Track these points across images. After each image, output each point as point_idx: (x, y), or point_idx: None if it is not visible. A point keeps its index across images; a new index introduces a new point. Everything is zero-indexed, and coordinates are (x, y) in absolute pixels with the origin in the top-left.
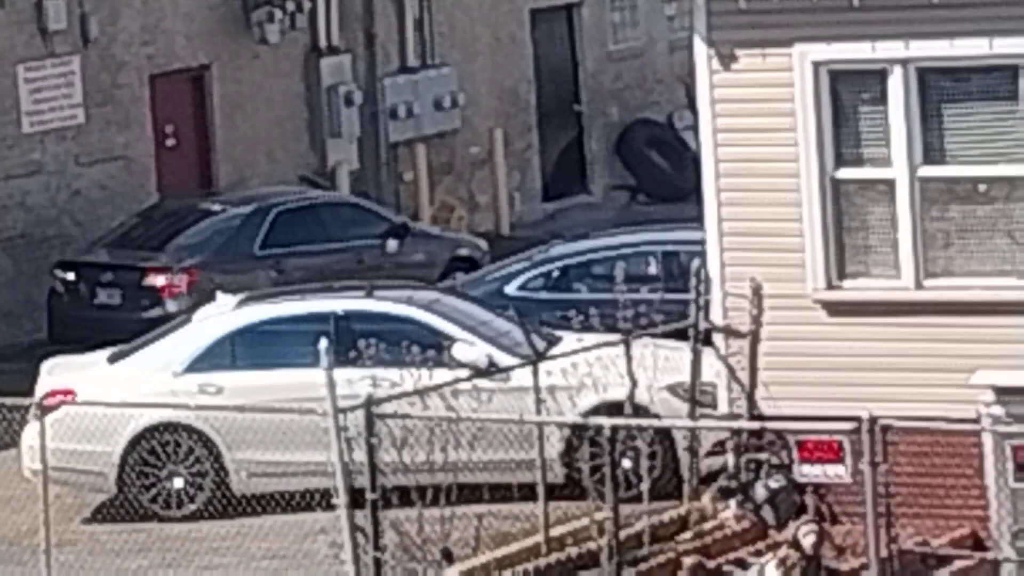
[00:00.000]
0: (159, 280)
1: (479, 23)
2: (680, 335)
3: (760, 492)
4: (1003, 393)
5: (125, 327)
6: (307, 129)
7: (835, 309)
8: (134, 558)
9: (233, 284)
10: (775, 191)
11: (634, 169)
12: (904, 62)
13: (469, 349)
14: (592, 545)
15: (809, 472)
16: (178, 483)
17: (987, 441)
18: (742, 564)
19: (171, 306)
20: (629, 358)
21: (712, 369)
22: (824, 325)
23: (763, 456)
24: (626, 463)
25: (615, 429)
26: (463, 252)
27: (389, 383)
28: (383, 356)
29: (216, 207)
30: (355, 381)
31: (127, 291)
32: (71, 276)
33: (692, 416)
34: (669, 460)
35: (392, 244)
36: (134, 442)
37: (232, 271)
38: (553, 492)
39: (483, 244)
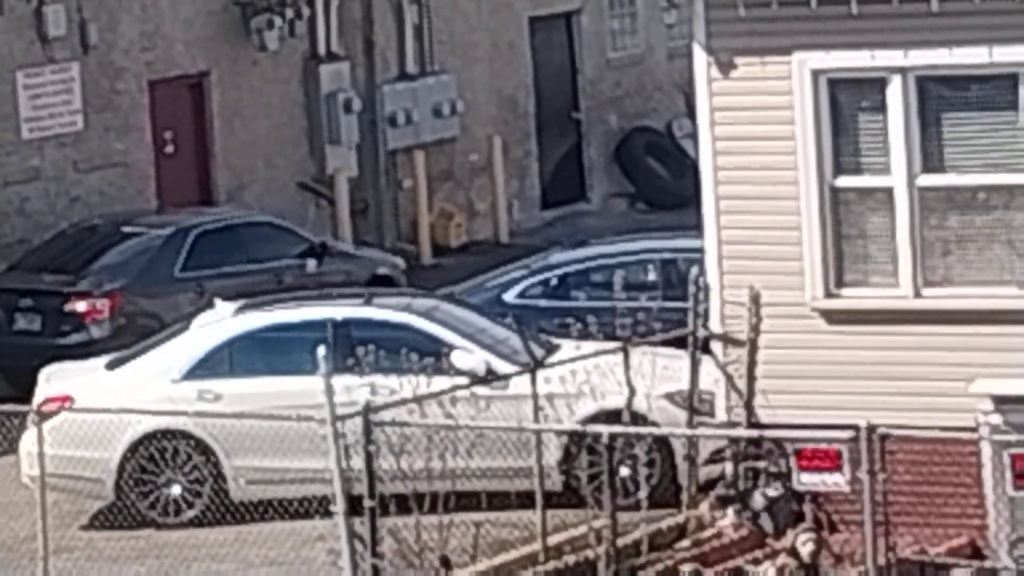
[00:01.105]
0: (81, 305)
1: (478, 30)
2: (679, 343)
3: (758, 500)
4: (1001, 402)
5: (45, 354)
6: (306, 136)
7: (833, 317)
8: (132, 565)
9: (154, 308)
10: (774, 199)
11: (633, 177)
12: (903, 70)
13: (467, 356)
14: (590, 553)
15: (807, 480)
16: (176, 490)
17: (985, 450)
18: (740, 572)
19: (94, 332)
20: (627, 366)
21: (710, 377)
22: (822, 333)
23: (761, 464)
24: (624, 471)
25: (613, 437)
26: (381, 271)
27: (387, 390)
28: (381, 363)
29: (134, 229)
30: (353, 388)
31: (47, 317)
32: None
33: (690, 424)
34: (667, 468)
35: (311, 264)
36: (132, 449)
37: (154, 294)
38: (551, 500)
39: (400, 263)
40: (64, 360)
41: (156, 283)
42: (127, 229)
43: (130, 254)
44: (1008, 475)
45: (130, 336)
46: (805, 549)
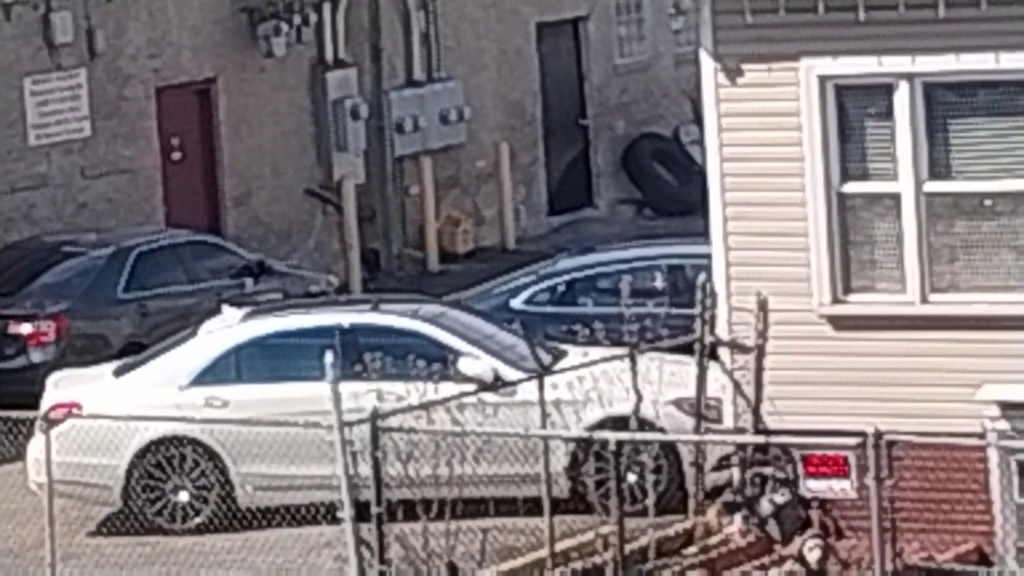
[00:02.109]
0: (25, 328)
1: (485, 37)
2: (686, 349)
3: (765, 507)
4: (1009, 408)
5: None
6: (313, 142)
7: (840, 324)
8: (139, 571)
9: (99, 330)
10: (781, 205)
11: (640, 183)
12: (910, 77)
13: (475, 363)
14: (597, 559)
15: (814, 487)
16: (183, 496)
17: (992, 456)
18: None
19: (36, 356)
20: (635, 372)
21: (718, 383)
22: (829, 340)
23: (768, 471)
24: (631, 477)
25: (620, 443)
26: (315, 288)
27: (395, 397)
28: (389, 370)
29: (74, 249)
30: (361, 395)
31: None
32: None
33: (697, 430)
34: (674, 474)
35: (248, 282)
36: (139, 455)
37: (98, 316)
38: (558, 506)
39: (334, 280)
40: (4, 387)
41: (99, 304)
42: (66, 249)
43: (71, 274)
44: (1015, 481)
45: (75, 359)
46: (812, 555)
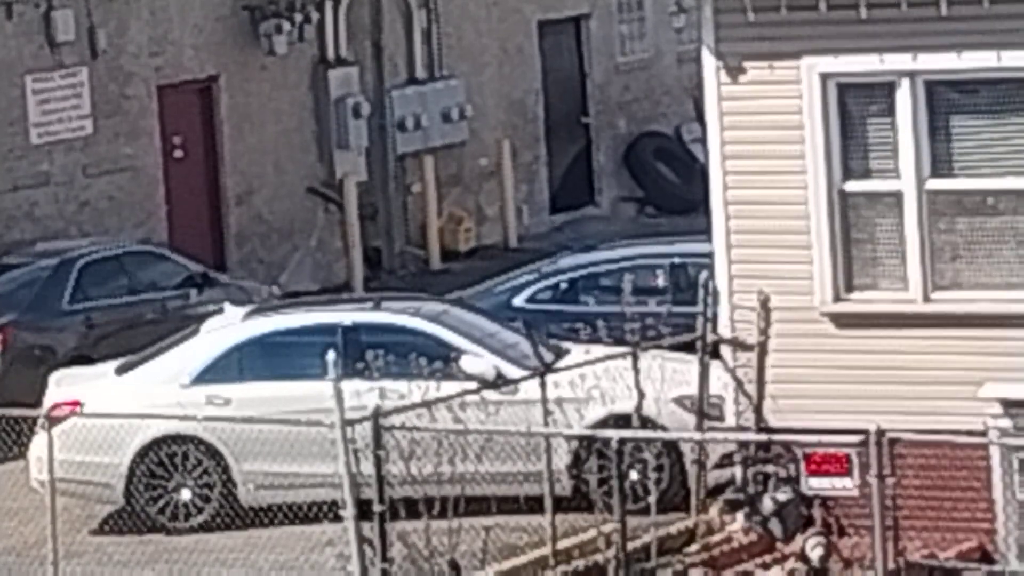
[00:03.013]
0: None
1: (487, 35)
2: (688, 347)
3: (767, 505)
4: (1011, 406)
5: None
6: (315, 141)
7: (843, 321)
8: (141, 570)
9: (45, 341)
10: (783, 203)
11: (642, 181)
12: (912, 74)
13: (477, 361)
14: (599, 557)
15: (816, 485)
16: (186, 495)
17: (995, 454)
18: None
19: None
20: (637, 370)
21: (720, 381)
22: (832, 337)
23: (770, 469)
24: (633, 475)
25: (622, 441)
26: (259, 299)
27: (397, 395)
28: (391, 368)
29: (17, 260)
30: (363, 393)
31: None
32: None
33: (699, 428)
34: (676, 472)
35: (193, 293)
36: (142, 454)
37: (44, 327)
38: (560, 504)
39: (277, 290)
40: None
41: (45, 316)
42: (8, 260)
43: (14, 286)
44: (1017, 479)
45: (22, 371)
46: (814, 553)
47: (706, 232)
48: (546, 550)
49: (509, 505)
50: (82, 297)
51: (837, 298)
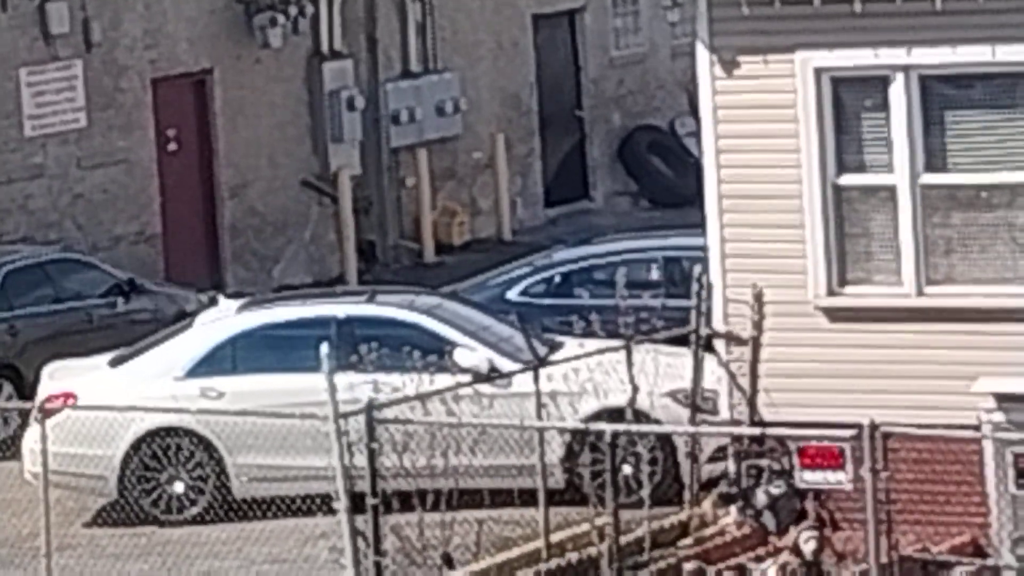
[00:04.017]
0: None
1: (481, 28)
2: (681, 341)
3: (761, 498)
4: (1004, 400)
5: None
6: (309, 134)
7: (836, 315)
8: (135, 562)
9: None
10: (777, 197)
11: (636, 175)
12: (906, 69)
13: (470, 354)
14: (592, 551)
15: (810, 478)
16: (179, 487)
17: (988, 448)
18: (743, 570)
19: None
20: (630, 364)
21: (713, 375)
22: (825, 332)
23: (764, 462)
24: (627, 469)
25: (616, 435)
26: (189, 307)
27: (390, 388)
28: (384, 361)
29: None
30: (356, 386)
31: None
32: None
33: (693, 422)
34: (670, 466)
35: (119, 301)
36: (135, 446)
37: None
38: (554, 497)
39: (204, 299)
40: None
41: None
42: None
43: None
44: (1011, 473)
45: None
46: (807, 547)
47: (700, 226)
48: (539, 543)
49: (502, 498)
50: (6, 306)
51: (831, 292)
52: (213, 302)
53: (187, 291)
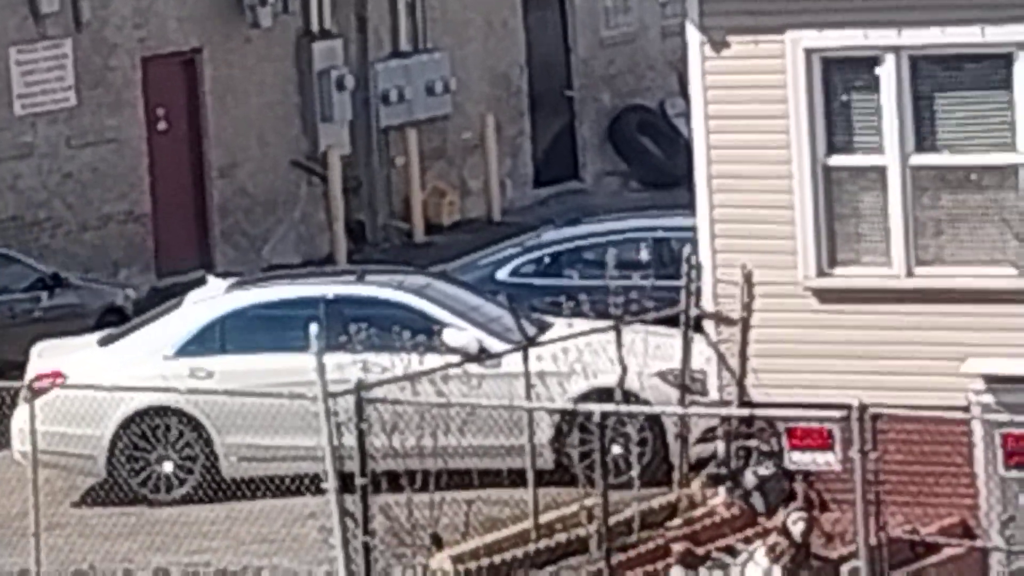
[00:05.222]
0: None
1: (471, 8)
2: (671, 322)
3: (749, 479)
4: (993, 381)
5: None
6: (298, 113)
7: (826, 296)
8: (123, 542)
9: None
10: (766, 178)
11: (626, 155)
12: (896, 49)
13: (460, 334)
14: (581, 531)
15: (799, 459)
16: (168, 467)
17: (977, 429)
18: (731, 551)
19: None
20: (619, 344)
21: (702, 356)
22: (815, 312)
23: (753, 443)
24: (616, 449)
25: (605, 415)
26: (118, 302)
27: (379, 368)
28: (373, 341)
29: None
30: (345, 366)
31: None
32: None
33: (682, 403)
34: (659, 447)
35: (44, 296)
36: (124, 426)
37: None
38: (543, 478)
39: (132, 293)
40: None
41: None
42: None
43: None
44: (999, 455)
45: None
46: (796, 528)
47: (690, 206)
48: (528, 524)
49: (491, 479)
50: None
51: (820, 273)
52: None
53: (114, 288)
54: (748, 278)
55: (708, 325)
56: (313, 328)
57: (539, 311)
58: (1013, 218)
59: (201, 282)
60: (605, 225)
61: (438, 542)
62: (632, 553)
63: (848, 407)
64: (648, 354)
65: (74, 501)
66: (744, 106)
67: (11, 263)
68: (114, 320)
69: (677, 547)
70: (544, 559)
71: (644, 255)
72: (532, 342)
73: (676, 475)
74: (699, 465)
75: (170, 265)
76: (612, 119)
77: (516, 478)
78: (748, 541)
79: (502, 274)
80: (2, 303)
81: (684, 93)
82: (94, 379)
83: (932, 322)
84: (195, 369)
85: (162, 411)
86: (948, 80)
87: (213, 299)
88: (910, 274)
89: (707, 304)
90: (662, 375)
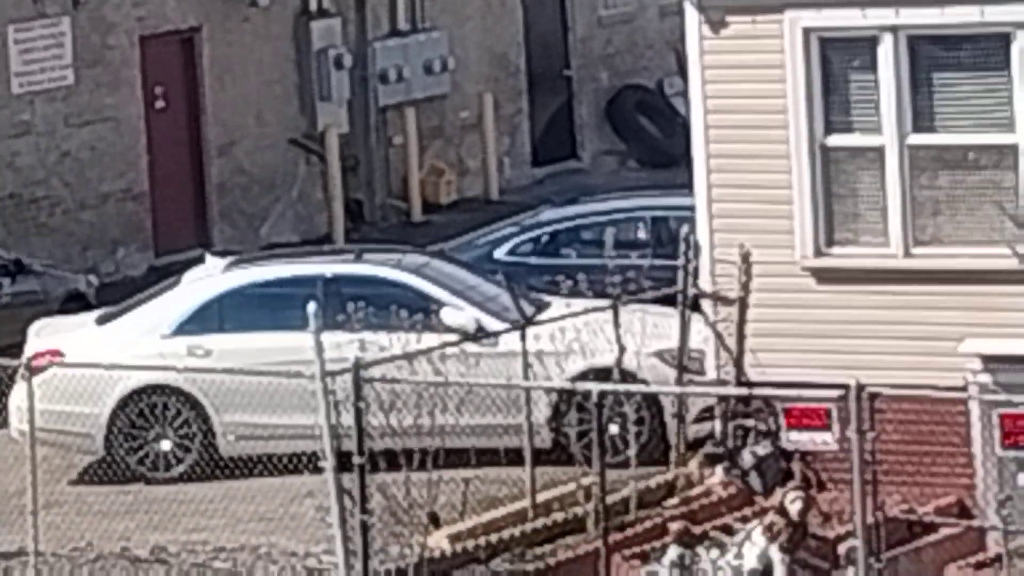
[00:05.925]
0: None
1: None
2: (669, 301)
3: (747, 458)
4: (990, 361)
5: None
6: (297, 92)
7: (823, 276)
8: (121, 520)
9: None
10: (764, 157)
11: (624, 134)
12: (894, 29)
13: (457, 313)
14: (579, 510)
15: (796, 439)
16: (165, 445)
17: (974, 409)
18: (728, 530)
19: None
20: (617, 324)
21: (700, 335)
22: (812, 292)
23: (750, 423)
24: (613, 428)
25: (602, 395)
26: (80, 288)
27: (377, 347)
28: (371, 320)
29: None
30: (343, 345)
31: None
32: None
33: (680, 382)
34: (656, 426)
35: (6, 282)
36: (122, 404)
37: None
38: (540, 457)
39: (94, 280)
40: None
41: None
42: None
43: None
44: (996, 434)
45: None
46: (793, 507)
47: (688, 186)
48: (526, 503)
49: (489, 457)
50: None
51: (818, 253)
52: (96, 283)
53: (76, 274)
54: (746, 258)
55: (706, 305)
56: (311, 307)
57: (537, 290)
58: (1010, 198)
59: (199, 260)
60: (603, 205)
61: (435, 521)
62: (629, 532)
63: (845, 387)
64: (646, 333)
65: (72, 479)
66: (742, 85)
67: None
68: (75, 307)
69: (674, 526)
70: (541, 538)
71: (642, 235)
72: (530, 321)
73: (673, 454)
74: (696, 444)
75: (168, 243)
76: (610, 98)
77: (513, 457)
78: (745, 520)
79: (500, 253)
80: None
81: (682, 73)
82: (92, 357)
83: (929, 302)
84: (193, 347)
85: (160, 389)
86: (946, 60)
87: (211, 278)
88: (908, 254)
89: (705, 284)
90: (660, 355)
